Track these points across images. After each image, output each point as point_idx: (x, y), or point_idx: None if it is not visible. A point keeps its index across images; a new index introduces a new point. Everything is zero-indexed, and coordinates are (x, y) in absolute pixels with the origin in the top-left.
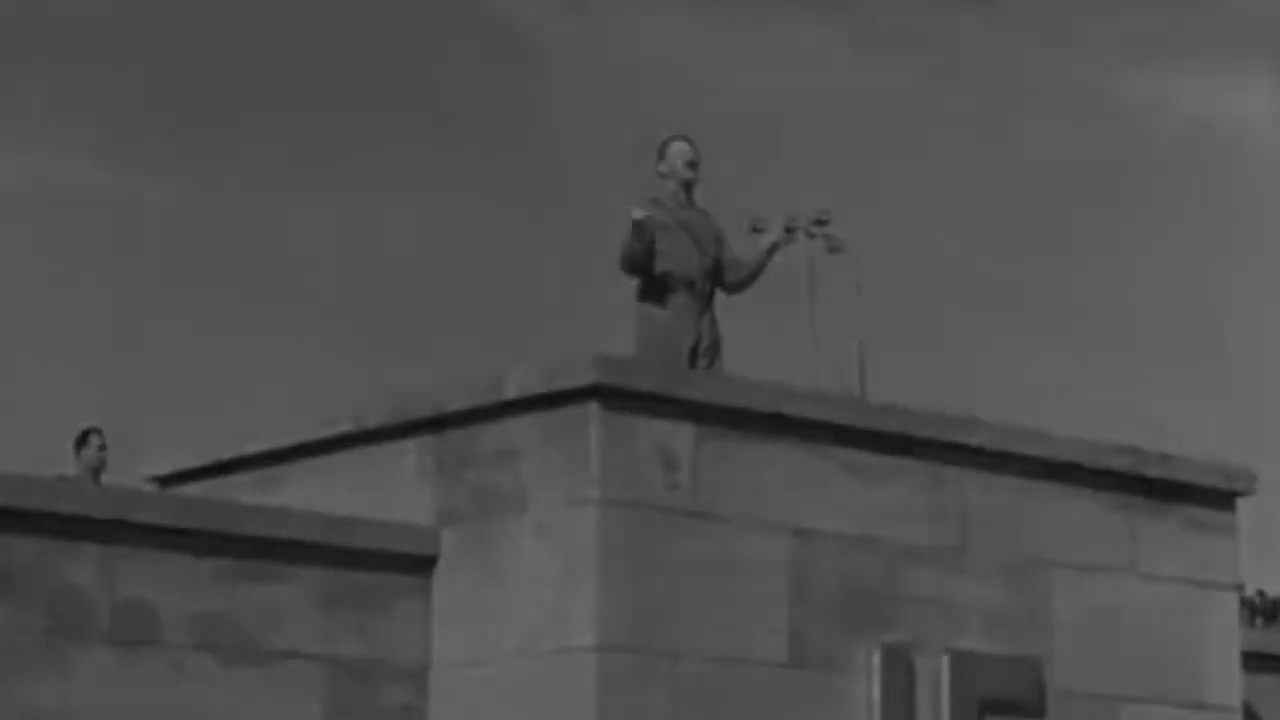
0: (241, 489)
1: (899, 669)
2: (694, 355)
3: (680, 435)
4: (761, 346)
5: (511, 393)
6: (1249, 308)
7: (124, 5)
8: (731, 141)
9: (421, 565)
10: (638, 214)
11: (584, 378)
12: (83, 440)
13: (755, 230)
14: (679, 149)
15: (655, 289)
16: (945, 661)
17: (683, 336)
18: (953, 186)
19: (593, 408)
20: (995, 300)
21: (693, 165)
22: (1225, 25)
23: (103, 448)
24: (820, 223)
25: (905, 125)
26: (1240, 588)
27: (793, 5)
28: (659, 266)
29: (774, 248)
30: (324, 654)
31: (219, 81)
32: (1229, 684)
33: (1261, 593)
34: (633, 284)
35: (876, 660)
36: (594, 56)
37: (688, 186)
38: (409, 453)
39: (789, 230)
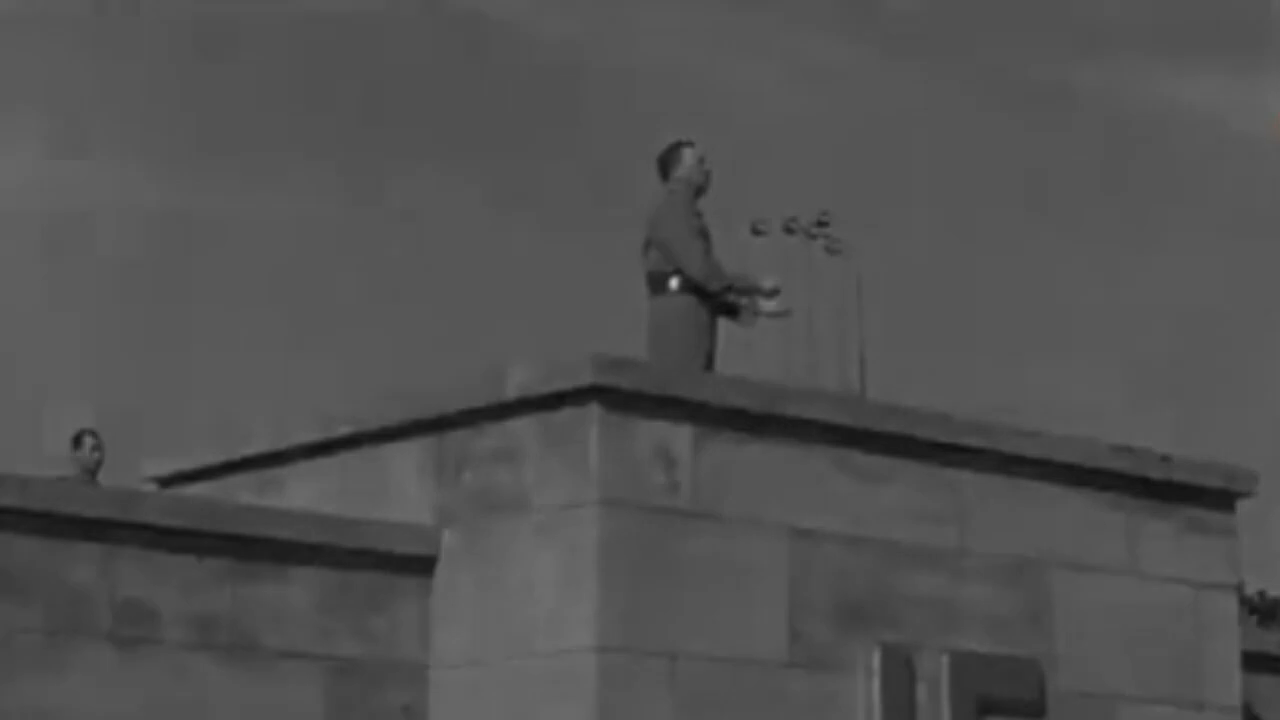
0: (242, 489)
1: (899, 669)
2: (709, 360)
3: (680, 435)
4: (761, 347)
5: (512, 393)
6: (1250, 306)
7: (124, 3)
8: (730, 141)
9: (422, 565)
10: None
11: (584, 378)
12: (77, 442)
13: (756, 233)
14: (693, 155)
15: (675, 292)
16: (945, 661)
17: (702, 341)
18: (955, 185)
19: (593, 408)
20: (996, 300)
21: (707, 174)
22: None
23: (96, 448)
24: (821, 224)
25: (906, 124)
26: (1240, 587)
27: (793, 3)
28: (682, 272)
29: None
30: (324, 654)
31: (219, 81)
32: (1229, 684)
33: (1262, 593)
34: (645, 284)
35: (876, 660)
36: (592, 56)
37: (699, 192)
38: (409, 453)
39: (788, 231)
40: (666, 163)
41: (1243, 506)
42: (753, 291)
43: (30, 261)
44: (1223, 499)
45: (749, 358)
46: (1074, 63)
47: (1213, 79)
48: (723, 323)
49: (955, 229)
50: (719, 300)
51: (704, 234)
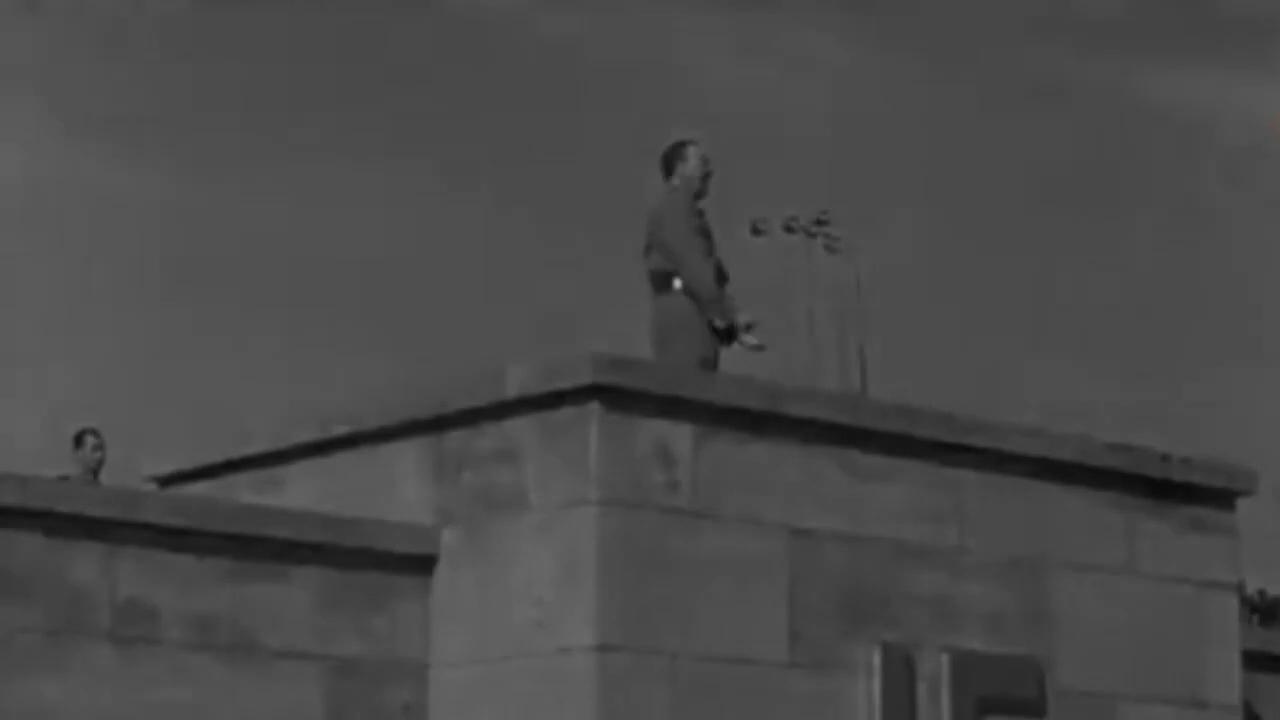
0: (241, 489)
1: (899, 668)
2: (712, 359)
3: (680, 435)
4: (753, 353)
5: (511, 392)
6: (1250, 307)
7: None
8: (731, 140)
9: (421, 565)
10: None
11: (583, 377)
12: (78, 441)
13: (756, 232)
14: (696, 153)
15: (678, 291)
16: (945, 661)
17: (705, 340)
18: (955, 184)
19: (592, 407)
20: (996, 299)
21: (710, 172)
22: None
23: (98, 448)
24: (820, 223)
25: (906, 123)
26: (1240, 586)
27: (794, 3)
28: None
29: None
30: (324, 654)
31: (222, 80)
32: (1229, 683)
33: (1262, 592)
34: (648, 281)
35: (876, 659)
36: (595, 53)
37: (701, 191)
38: (409, 453)
39: (788, 230)
40: (670, 160)
41: (1243, 504)
42: (730, 322)
43: (31, 261)
44: (1223, 497)
45: (750, 356)
46: (1074, 62)
47: (1212, 79)
48: None
49: (955, 228)
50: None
51: (705, 233)
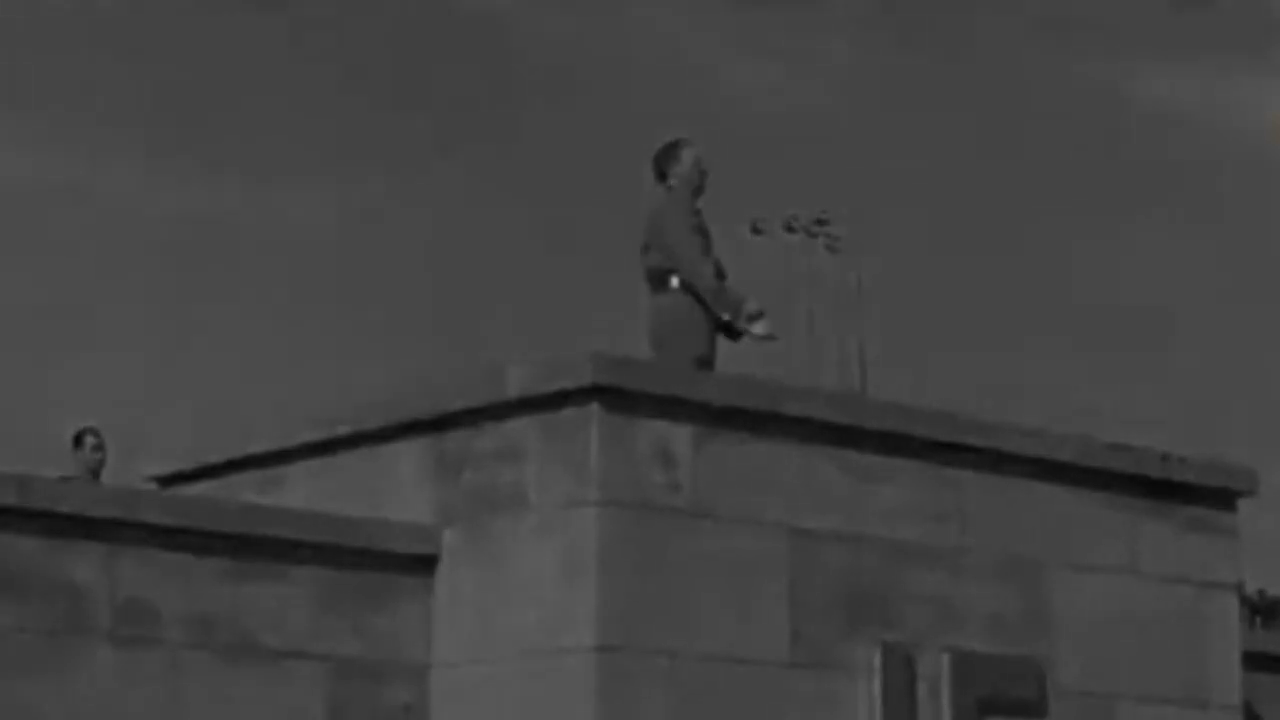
0: (242, 489)
1: (899, 668)
2: (710, 359)
3: (680, 435)
4: (761, 345)
5: (512, 392)
6: (1251, 309)
7: (127, 3)
8: (731, 140)
9: (422, 565)
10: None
11: (584, 378)
12: (78, 441)
13: (756, 231)
14: (690, 153)
15: (676, 290)
16: (945, 661)
17: (703, 339)
18: (954, 185)
19: (593, 408)
20: (995, 299)
21: (704, 173)
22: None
23: (97, 448)
24: (820, 222)
25: (907, 122)
26: (1240, 586)
27: (794, 3)
28: (680, 274)
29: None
30: (324, 653)
31: (220, 81)
32: (1229, 683)
33: (1261, 592)
34: (645, 279)
35: (876, 659)
36: (596, 53)
37: (697, 192)
38: (409, 453)
39: (789, 229)
40: (663, 162)
41: (1243, 504)
42: (737, 312)
43: (35, 262)
44: (1223, 497)
45: (749, 356)
46: (1074, 62)
47: (1210, 79)
48: None
49: (955, 228)
50: (717, 320)
51: (703, 232)
